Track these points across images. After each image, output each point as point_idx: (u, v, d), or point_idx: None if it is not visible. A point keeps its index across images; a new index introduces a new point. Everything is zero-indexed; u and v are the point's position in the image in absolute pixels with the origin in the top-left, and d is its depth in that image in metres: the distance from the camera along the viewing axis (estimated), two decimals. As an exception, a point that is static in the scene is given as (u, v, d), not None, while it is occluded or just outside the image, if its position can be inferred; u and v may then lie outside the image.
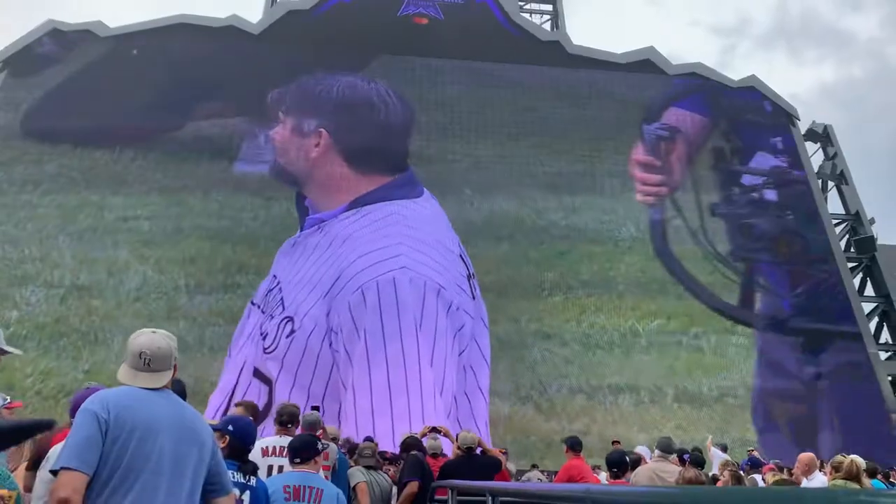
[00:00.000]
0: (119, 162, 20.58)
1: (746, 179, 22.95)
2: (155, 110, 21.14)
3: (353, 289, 16.46)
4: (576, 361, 19.61)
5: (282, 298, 17.34)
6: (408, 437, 7.06)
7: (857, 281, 23.76)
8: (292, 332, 16.68)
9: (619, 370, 19.54)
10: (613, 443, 14.54)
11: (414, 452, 6.59)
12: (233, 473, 3.76)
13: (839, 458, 6.03)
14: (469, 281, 18.01)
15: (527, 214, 21.61)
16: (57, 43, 22.37)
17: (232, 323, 18.28)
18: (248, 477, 4.09)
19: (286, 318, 16.92)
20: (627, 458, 8.42)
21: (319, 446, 4.76)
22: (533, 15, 30.69)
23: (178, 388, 3.55)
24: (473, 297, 17.92)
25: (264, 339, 16.91)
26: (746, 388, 19.91)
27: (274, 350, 16.55)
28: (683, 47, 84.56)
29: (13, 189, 20.04)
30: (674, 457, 8.80)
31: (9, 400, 5.16)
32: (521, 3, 30.62)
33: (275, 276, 17.86)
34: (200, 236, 19.89)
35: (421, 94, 22.60)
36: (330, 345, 16.28)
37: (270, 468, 5.18)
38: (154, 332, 3.12)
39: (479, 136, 22.53)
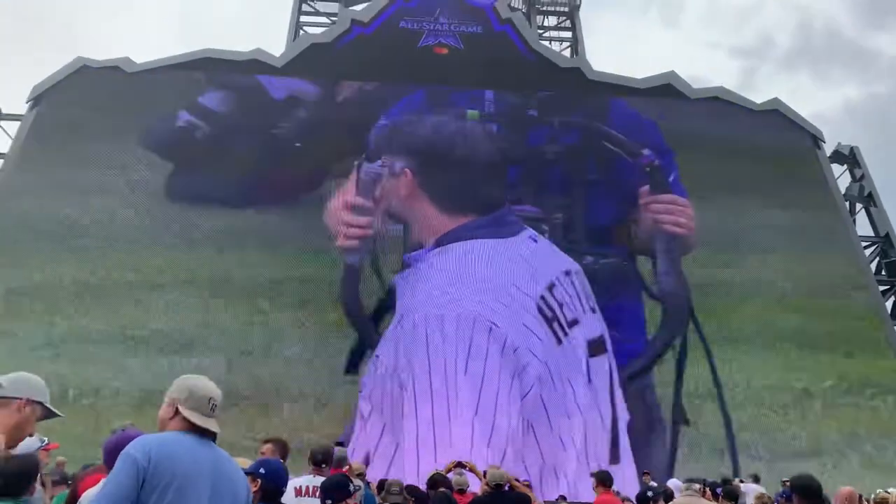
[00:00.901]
0: (267, 222, 20.14)
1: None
2: (294, 167, 21.05)
3: (409, 326, 16.79)
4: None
5: (381, 336, 17.88)
6: (435, 474, 6.98)
7: (889, 304, 23.33)
8: (376, 370, 17.20)
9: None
10: (644, 474, 14.32)
11: (442, 490, 6.50)
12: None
13: (882, 493, 5.85)
14: (552, 325, 17.41)
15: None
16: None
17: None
18: (280, 520, 4.05)
19: (376, 355, 17.53)
20: (650, 493, 8.28)
21: (351, 488, 4.71)
22: (552, 42, 30.93)
23: None
24: (559, 342, 17.38)
25: (366, 386, 17.46)
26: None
27: (364, 390, 17.18)
28: (704, 70, 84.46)
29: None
30: (698, 486, 8.63)
31: (46, 441, 5.20)
32: (541, 31, 30.89)
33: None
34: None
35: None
36: (399, 385, 16.50)
37: (303, 509, 5.13)
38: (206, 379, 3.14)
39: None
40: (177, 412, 2.98)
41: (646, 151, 21.22)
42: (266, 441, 6.03)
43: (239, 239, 19.85)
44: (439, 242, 18.04)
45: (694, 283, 20.49)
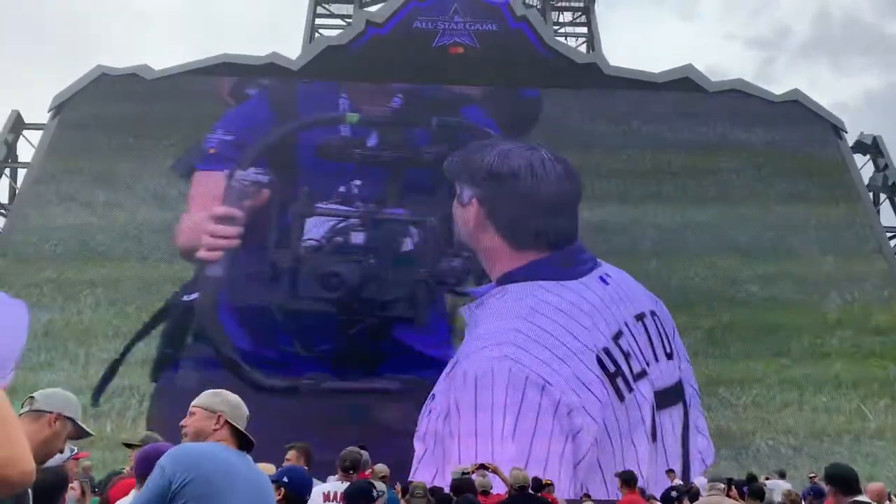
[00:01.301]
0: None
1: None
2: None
3: (459, 374, 15.97)
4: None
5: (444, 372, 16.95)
6: (458, 479, 6.98)
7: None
8: (430, 411, 16.27)
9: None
10: (668, 471, 14.21)
11: (467, 495, 6.51)
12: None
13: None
14: (615, 380, 16.16)
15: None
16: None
17: None
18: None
19: (431, 394, 16.52)
20: (674, 493, 8.24)
21: (374, 493, 4.73)
22: (568, 38, 30.81)
23: None
24: (622, 399, 16.15)
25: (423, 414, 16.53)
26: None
27: (424, 432, 16.13)
28: (720, 62, 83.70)
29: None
30: (722, 485, 8.55)
31: (76, 451, 5.28)
32: (556, 27, 30.76)
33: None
34: None
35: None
36: (450, 432, 15.70)
37: (331, 512, 5.17)
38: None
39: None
40: (223, 425, 3.02)
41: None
42: (290, 447, 6.01)
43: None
44: (501, 281, 17.17)
45: (715, 279, 20.32)
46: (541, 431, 15.14)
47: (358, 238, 19.31)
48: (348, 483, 5.24)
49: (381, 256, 19.16)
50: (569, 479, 15.01)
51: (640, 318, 17.08)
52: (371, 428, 16.33)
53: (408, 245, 19.55)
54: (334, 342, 18.65)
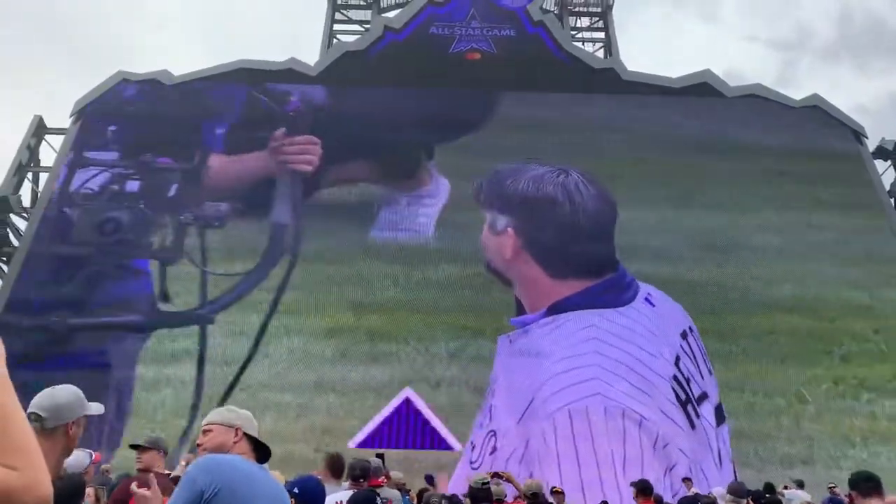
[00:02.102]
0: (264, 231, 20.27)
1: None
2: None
3: (545, 416, 15.37)
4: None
5: (491, 406, 16.27)
6: (475, 488, 6.94)
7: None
8: (494, 450, 15.57)
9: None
10: (684, 480, 14.08)
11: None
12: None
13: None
14: (686, 408, 15.85)
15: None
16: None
17: (376, 393, 17.56)
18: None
19: (491, 431, 15.88)
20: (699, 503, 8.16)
21: (379, 501, 4.74)
22: (585, 43, 30.71)
23: None
24: (693, 426, 15.81)
25: (472, 450, 15.91)
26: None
27: (478, 467, 15.22)
28: (742, 64, 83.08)
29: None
30: (743, 500, 8.49)
31: (93, 455, 5.33)
32: (574, 33, 30.68)
33: (495, 373, 16.77)
34: (342, 306, 19.23)
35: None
36: (531, 474, 14.50)
37: (343, 523, 5.17)
38: None
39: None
40: (241, 437, 3.09)
41: (293, 98, 22.24)
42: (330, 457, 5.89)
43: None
44: (552, 310, 16.44)
45: (731, 286, 20.11)
46: (647, 466, 14.69)
47: (132, 186, 20.69)
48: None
49: (152, 202, 20.27)
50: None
51: (684, 336, 16.91)
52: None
53: (172, 191, 20.72)
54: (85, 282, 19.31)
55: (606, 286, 16.97)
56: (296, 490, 4.06)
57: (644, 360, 15.98)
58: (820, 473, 16.12)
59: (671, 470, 14.94)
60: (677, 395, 15.96)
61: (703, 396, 16.30)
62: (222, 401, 16.61)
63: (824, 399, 18.15)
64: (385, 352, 18.39)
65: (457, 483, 14.22)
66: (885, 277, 20.55)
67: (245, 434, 3.10)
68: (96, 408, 2.78)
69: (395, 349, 18.43)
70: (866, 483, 4.69)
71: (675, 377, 16.10)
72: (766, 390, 18.21)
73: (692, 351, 16.80)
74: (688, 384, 16.22)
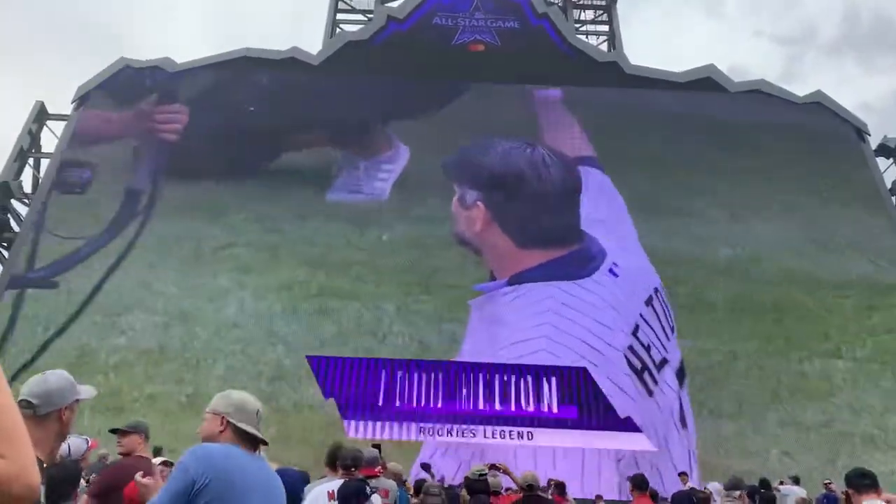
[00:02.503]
0: (216, 192, 20.77)
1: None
2: (252, 142, 21.57)
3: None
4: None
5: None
6: (472, 480, 7.00)
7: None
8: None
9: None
10: (680, 474, 14.12)
11: (481, 496, 6.52)
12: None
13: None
14: (643, 376, 16.78)
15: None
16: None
17: (323, 347, 18.13)
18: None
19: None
20: (695, 498, 8.18)
21: (368, 490, 4.76)
22: (589, 36, 30.59)
23: None
24: (651, 393, 16.73)
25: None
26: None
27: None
28: (746, 59, 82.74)
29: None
30: (738, 493, 8.51)
31: (89, 441, 5.31)
32: (578, 25, 30.56)
33: (465, 335, 17.74)
34: (296, 263, 19.70)
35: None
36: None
37: (335, 511, 5.17)
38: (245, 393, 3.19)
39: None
40: (226, 426, 3.03)
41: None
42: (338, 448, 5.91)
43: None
44: (513, 281, 17.42)
45: (735, 280, 20.10)
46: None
47: None
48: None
49: None
50: (611, 473, 15.60)
51: (649, 301, 17.58)
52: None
53: None
54: None
55: (569, 259, 17.84)
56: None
57: (596, 332, 16.80)
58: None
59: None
60: (630, 364, 16.73)
61: (664, 362, 17.03)
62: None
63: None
64: (334, 307, 18.86)
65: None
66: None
67: (231, 423, 3.00)
68: (87, 391, 2.75)
69: (343, 305, 18.88)
70: (862, 480, 4.71)
71: (630, 346, 16.86)
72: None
73: (657, 315, 17.53)
74: (647, 351, 16.99)
